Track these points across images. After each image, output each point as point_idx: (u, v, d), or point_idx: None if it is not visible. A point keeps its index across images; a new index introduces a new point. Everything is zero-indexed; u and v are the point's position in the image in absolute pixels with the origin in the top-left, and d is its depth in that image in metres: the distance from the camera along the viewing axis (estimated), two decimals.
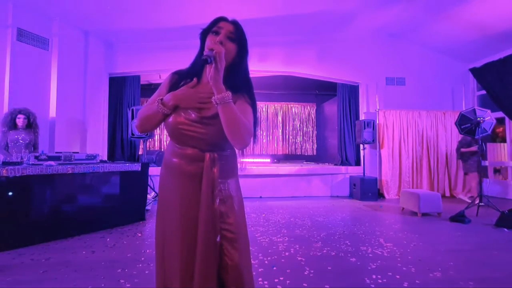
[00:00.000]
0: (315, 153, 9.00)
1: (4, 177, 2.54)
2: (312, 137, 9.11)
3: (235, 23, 1.05)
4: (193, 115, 1.00)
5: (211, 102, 0.95)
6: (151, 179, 4.68)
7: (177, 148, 1.05)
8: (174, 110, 1.01)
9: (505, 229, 3.36)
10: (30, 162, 2.88)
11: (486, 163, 6.00)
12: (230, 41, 1.02)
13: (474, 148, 4.67)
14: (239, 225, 1.05)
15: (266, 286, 1.90)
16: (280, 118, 9.01)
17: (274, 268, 2.21)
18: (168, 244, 1.04)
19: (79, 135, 5.01)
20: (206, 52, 0.93)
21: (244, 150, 1.09)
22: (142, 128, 1.07)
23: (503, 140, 5.94)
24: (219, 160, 1.03)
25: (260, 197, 5.55)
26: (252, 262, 2.00)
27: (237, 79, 1.04)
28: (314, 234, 3.16)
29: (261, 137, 8.86)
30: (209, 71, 0.91)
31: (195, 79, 1.04)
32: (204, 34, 1.06)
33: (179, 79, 1.07)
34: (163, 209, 1.08)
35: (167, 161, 1.09)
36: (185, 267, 0.99)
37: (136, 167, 3.63)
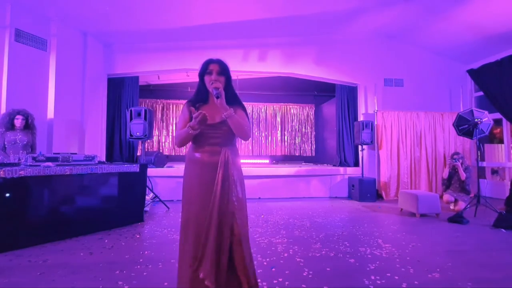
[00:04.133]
0: (313, 154, 9.01)
1: (1, 178, 2.53)
2: (311, 138, 9.13)
3: (219, 62, 1.53)
4: (208, 123, 1.45)
5: (218, 114, 1.47)
6: (149, 180, 4.67)
7: (199, 147, 1.52)
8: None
9: (503, 230, 3.37)
10: (28, 163, 2.87)
11: (484, 164, 6.04)
12: (220, 75, 1.51)
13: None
14: (242, 199, 1.53)
15: (264, 287, 1.90)
16: (279, 119, 9.03)
17: (273, 269, 2.21)
18: (193, 215, 1.45)
19: (77, 136, 5.00)
20: (214, 91, 1.41)
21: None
22: (181, 146, 1.53)
23: (501, 141, 5.97)
24: (230, 153, 1.51)
25: (259, 198, 5.55)
26: None
27: (230, 96, 1.53)
28: (313, 235, 3.16)
29: (259, 138, 8.87)
30: (217, 101, 1.42)
31: (200, 112, 1.39)
32: (201, 75, 1.54)
33: (193, 104, 1.54)
34: (189, 191, 1.51)
35: (191, 157, 1.54)
36: (204, 230, 1.41)
37: (135, 168, 3.62)
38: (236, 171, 1.52)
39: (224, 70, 1.53)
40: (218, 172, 1.45)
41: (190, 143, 1.55)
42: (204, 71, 1.53)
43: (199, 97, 1.56)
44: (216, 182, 1.44)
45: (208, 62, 1.52)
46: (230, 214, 1.44)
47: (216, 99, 1.41)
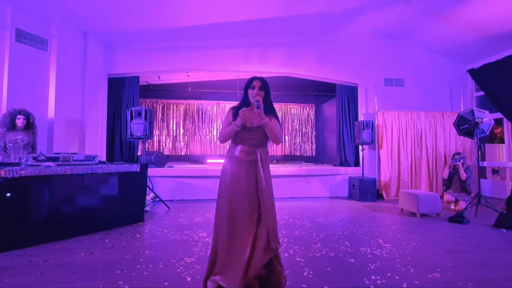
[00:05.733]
0: (314, 154, 9.00)
1: (2, 178, 2.53)
2: (311, 138, 9.12)
3: (261, 79, 1.87)
4: (248, 126, 1.82)
5: (256, 121, 1.80)
6: (150, 180, 4.67)
7: (237, 146, 1.86)
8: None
9: (504, 230, 3.37)
10: (29, 163, 2.87)
11: (485, 163, 6.03)
12: (261, 90, 1.85)
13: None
14: (271, 189, 1.85)
15: None
16: None
17: None
18: (236, 205, 1.77)
19: (78, 136, 5.00)
20: (256, 103, 1.77)
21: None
22: (224, 141, 1.89)
23: (501, 141, 5.96)
24: (263, 153, 1.86)
25: None
26: None
27: (267, 108, 1.86)
28: (313, 235, 3.16)
29: None
30: (256, 111, 1.77)
31: (244, 109, 1.77)
32: (246, 88, 1.89)
33: (237, 110, 1.83)
34: (228, 182, 1.82)
35: (231, 154, 1.87)
36: (250, 217, 1.75)
37: (135, 168, 3.62)
38: (266, 168, 1.86)
39: (264, 85, 1.86)
40: (257, 168, 1.80)
41: (230, 142, 1.90)
42: (248, 85, 1.88)
43: (243, 105, 1.88)
44: (257, 178, 1.78)
45: (253, 79, 1.88)
46: (266, 199, 1.77)
47: (256, 109, 1.76)
